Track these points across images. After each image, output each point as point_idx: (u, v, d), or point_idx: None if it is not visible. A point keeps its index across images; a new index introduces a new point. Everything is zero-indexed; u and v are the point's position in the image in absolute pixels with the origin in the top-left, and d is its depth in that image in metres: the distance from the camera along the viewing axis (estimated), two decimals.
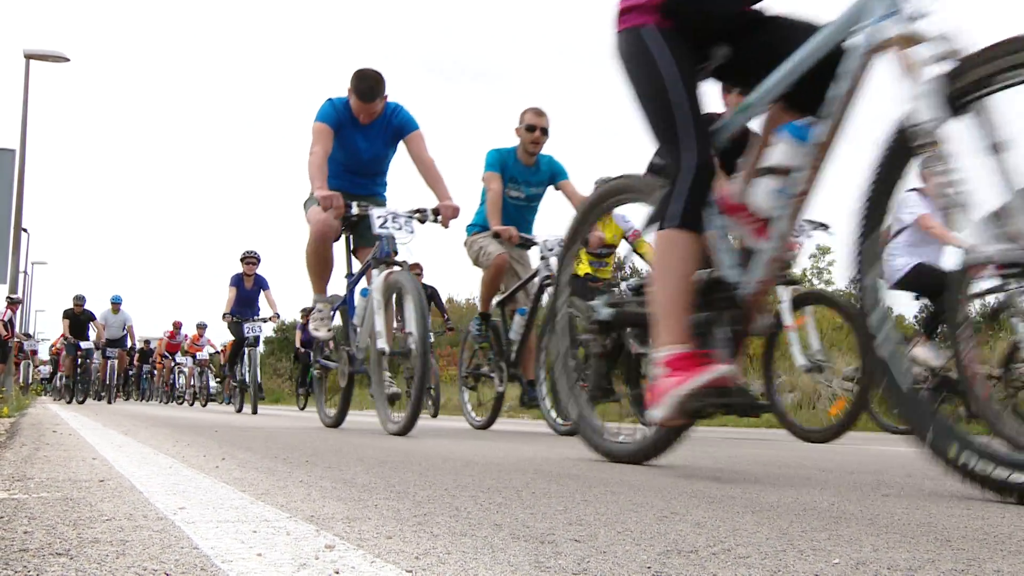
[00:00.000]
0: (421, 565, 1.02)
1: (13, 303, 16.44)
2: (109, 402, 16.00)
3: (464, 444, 3.73)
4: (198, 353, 18.38)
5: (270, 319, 11.68)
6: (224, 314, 11.31)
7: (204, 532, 1.20)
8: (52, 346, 24.55)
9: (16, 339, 17.72)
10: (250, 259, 11.62)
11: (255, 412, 10.51)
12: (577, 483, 2.01)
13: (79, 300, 17.02)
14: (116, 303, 17.43)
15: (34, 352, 26.17)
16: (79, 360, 16.39)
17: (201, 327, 19.47)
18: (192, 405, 17.59)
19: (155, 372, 22.25)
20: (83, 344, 16.42)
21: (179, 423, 5.73)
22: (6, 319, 16.06)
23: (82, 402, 15.58)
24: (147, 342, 23.49)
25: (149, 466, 2.26)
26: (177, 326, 20.94)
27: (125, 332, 17.41)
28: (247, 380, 11.00)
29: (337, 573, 0.96)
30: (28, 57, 15.22)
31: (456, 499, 1.64)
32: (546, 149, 5.68)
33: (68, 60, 15.49)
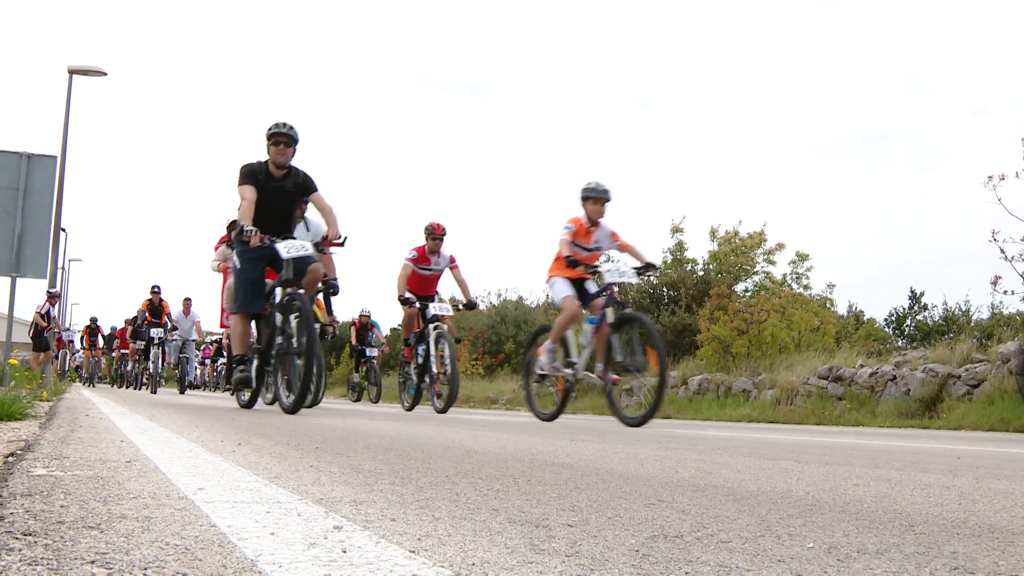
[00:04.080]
0: (423, 546, 1.01)
1: (52, 297, 16.36)
2: (182, 392, 13.78)
3: (464, 433, 3.72)
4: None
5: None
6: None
7: (221, 511, 1.19)
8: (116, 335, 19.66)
9: (58, 331, 17.28)
10: None
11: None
12: (570, 471, 2.00)
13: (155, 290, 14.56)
14: (187, 301, 14.99)
15: (71, 342, 26.18)
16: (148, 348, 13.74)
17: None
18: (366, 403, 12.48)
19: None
20: (153, 331, 13.79)
21: (199, 410, 5.72)
22: (44, 311, 16.04)
23: (154, 392, 12.54)
24: (218, 342, 17.96)
25: (171, 449, 2.25)
26: None
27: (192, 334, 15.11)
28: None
29: (344, 552, 0.95)
30: (71, 72, 15.22)
31: (456, 485, 1.63)
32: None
33: (106, 74, 15.50)
